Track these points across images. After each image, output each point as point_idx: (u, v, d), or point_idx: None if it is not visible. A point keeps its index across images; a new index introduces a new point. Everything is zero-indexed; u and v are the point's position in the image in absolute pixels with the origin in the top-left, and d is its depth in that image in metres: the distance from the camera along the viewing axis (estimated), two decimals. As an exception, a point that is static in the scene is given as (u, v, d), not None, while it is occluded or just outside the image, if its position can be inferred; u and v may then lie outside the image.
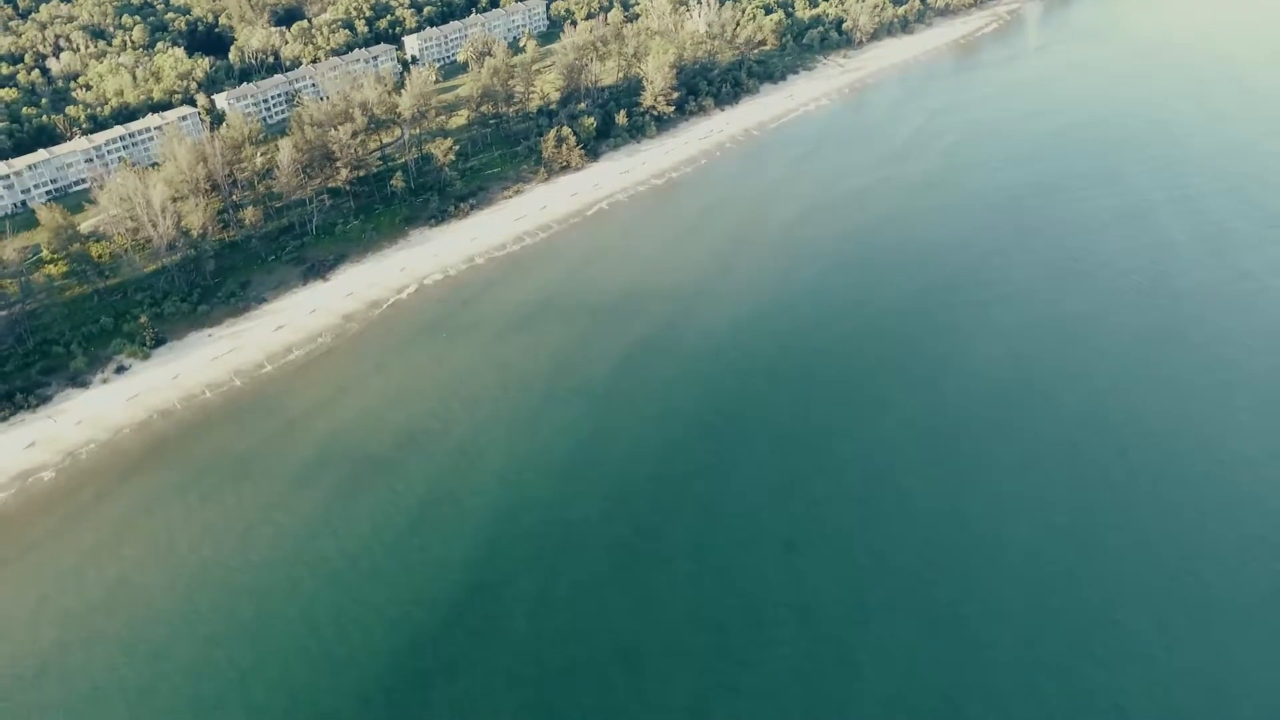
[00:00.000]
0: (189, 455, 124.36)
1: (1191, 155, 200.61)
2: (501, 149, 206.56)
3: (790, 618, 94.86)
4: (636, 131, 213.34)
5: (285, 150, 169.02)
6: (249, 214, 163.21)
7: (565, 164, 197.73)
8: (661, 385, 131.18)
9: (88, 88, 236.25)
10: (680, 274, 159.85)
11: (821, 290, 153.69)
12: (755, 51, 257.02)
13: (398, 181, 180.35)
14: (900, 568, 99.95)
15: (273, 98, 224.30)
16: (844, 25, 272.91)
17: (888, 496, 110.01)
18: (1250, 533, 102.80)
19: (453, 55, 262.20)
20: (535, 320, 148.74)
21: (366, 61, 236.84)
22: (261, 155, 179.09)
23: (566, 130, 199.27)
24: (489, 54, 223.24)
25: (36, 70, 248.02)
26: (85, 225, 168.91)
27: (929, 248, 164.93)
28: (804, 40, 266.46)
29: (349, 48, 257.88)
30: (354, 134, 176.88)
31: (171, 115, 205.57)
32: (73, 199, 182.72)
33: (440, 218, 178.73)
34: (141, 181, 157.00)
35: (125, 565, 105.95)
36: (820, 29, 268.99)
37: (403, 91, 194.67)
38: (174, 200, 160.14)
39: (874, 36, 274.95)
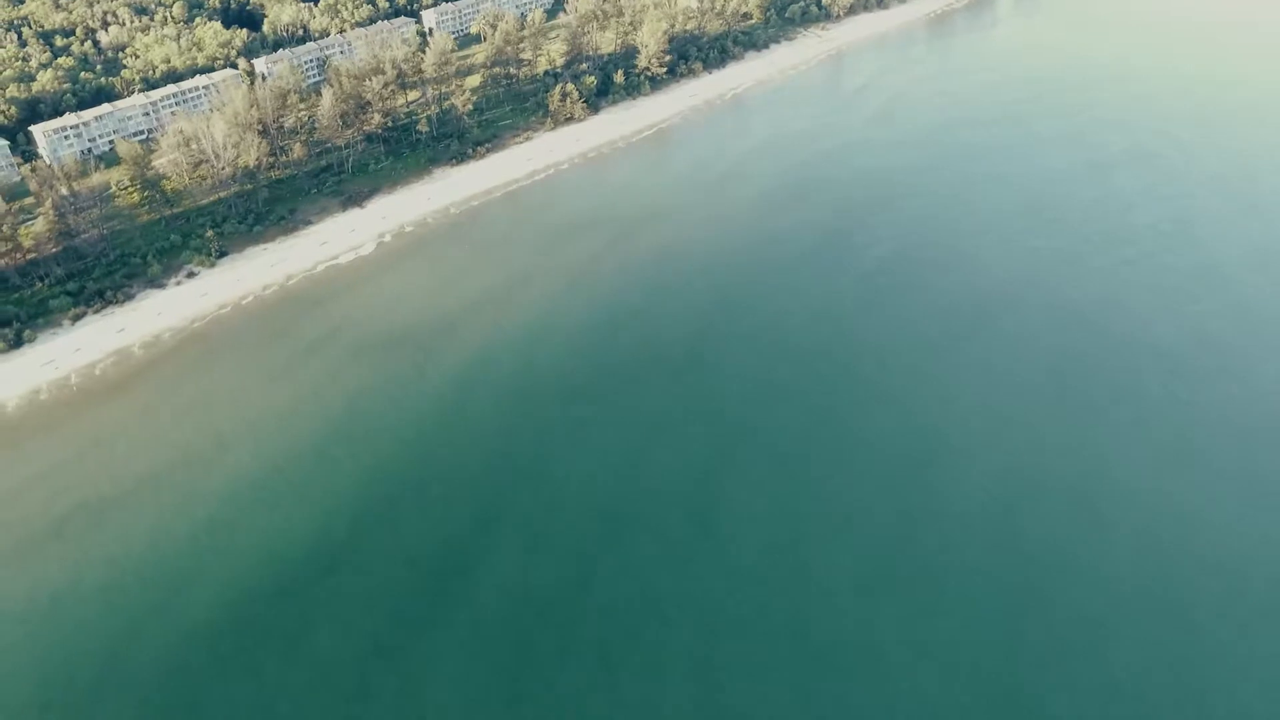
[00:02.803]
0: (251, 335, 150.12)
1: (1115, 127, 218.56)
2: (512, 105, 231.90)
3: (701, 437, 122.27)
4: (633, 89, 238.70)
5: (326, 98, 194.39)
6: (297, 149, 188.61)
7: (569, 116, 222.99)
8: (620, 274, 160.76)
9: (136, 56, 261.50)
10: (655, 196, 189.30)
11: (761, 198, 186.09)
12: (742, 23, 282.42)
13: (423, 126, 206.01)
14: (797, 397, 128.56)
15: (306, 63, 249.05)
16: (824, 0, 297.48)
17: (823, 356, 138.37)
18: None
19: (466, 28, 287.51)
20: (536, 232, 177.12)
21: (388, 33, 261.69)
22: (303, 107, 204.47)
23: (570, 86, 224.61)
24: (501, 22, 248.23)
25: (89, 42, 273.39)
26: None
27: (858, 173, 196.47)
28: (786, 14, 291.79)
29: (371, 21, 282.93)
30: (385, 85, 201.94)
31: (217, 76, 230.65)
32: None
33: (460, 159, 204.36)
34: (205, 122, 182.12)
35: (187, 414, 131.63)
36: (801, 3, 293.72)
37: (426, 51, 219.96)
38: (233, 145, 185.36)
39: (851, 11, 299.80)
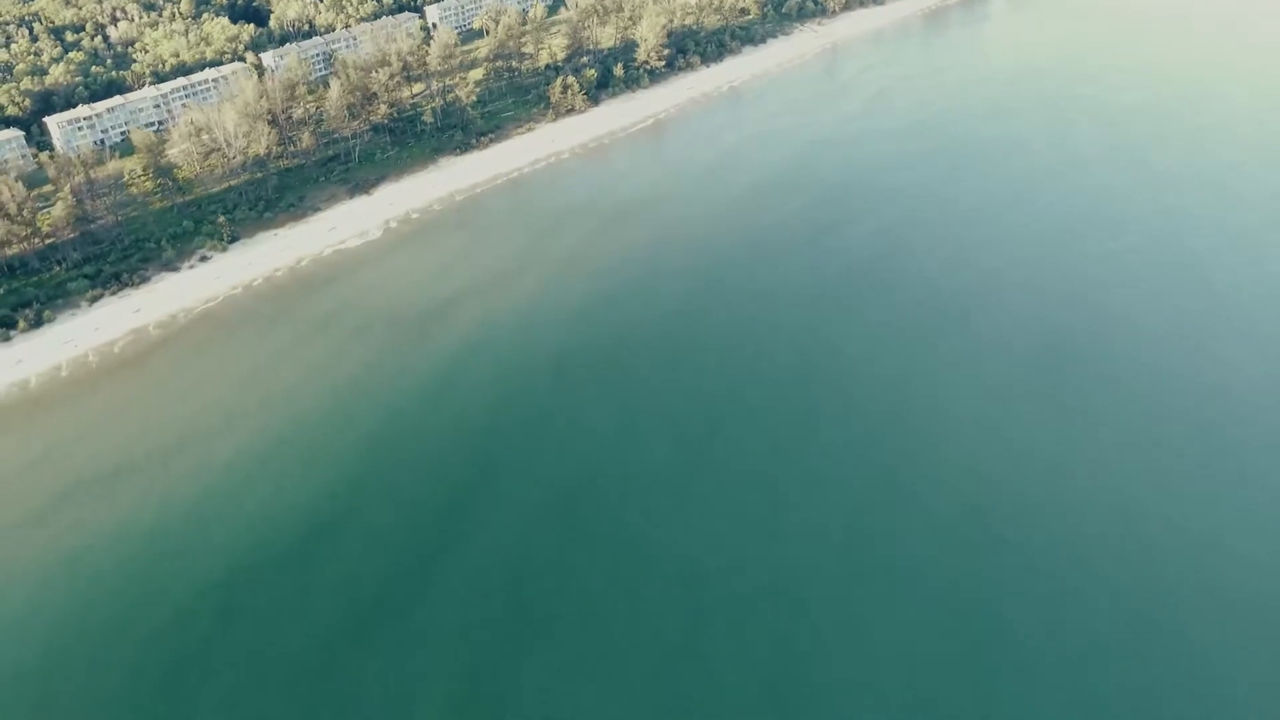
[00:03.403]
0: (262, 314, 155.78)
1: (1101, 122, 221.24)
2: (515, 97, 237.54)
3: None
4: (632, 82, 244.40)
5: (334, 89, 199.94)
6: (305, 139, 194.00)
7: (570, 108, 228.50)
8: (615, 257, 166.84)
9: (145, 51, 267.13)
10: (651, 185, 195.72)
11: (754, 187, 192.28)
12: (739, 19, 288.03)
13: (428, 118, 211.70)
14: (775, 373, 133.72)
15: (312, 57, 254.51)
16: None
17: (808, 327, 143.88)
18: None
19: (469, 23, 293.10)
20: (537, 218, 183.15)
21: (393, 27, 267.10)
22: (311, 99, 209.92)
23: (571, 79, 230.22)
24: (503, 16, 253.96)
25: (98, 37, 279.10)
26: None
27: (848, 164, 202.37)
28: (783, 9, 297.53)
29: (375, 16, 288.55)
30: (391, 76, 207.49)
31: (226, 69, 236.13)
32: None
33: (464, 148, 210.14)
34: (218, 112, 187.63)
35: (200, 389, 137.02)
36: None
37: (430, 44, 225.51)
38: (244, 134, 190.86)
39: (846, 6, 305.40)
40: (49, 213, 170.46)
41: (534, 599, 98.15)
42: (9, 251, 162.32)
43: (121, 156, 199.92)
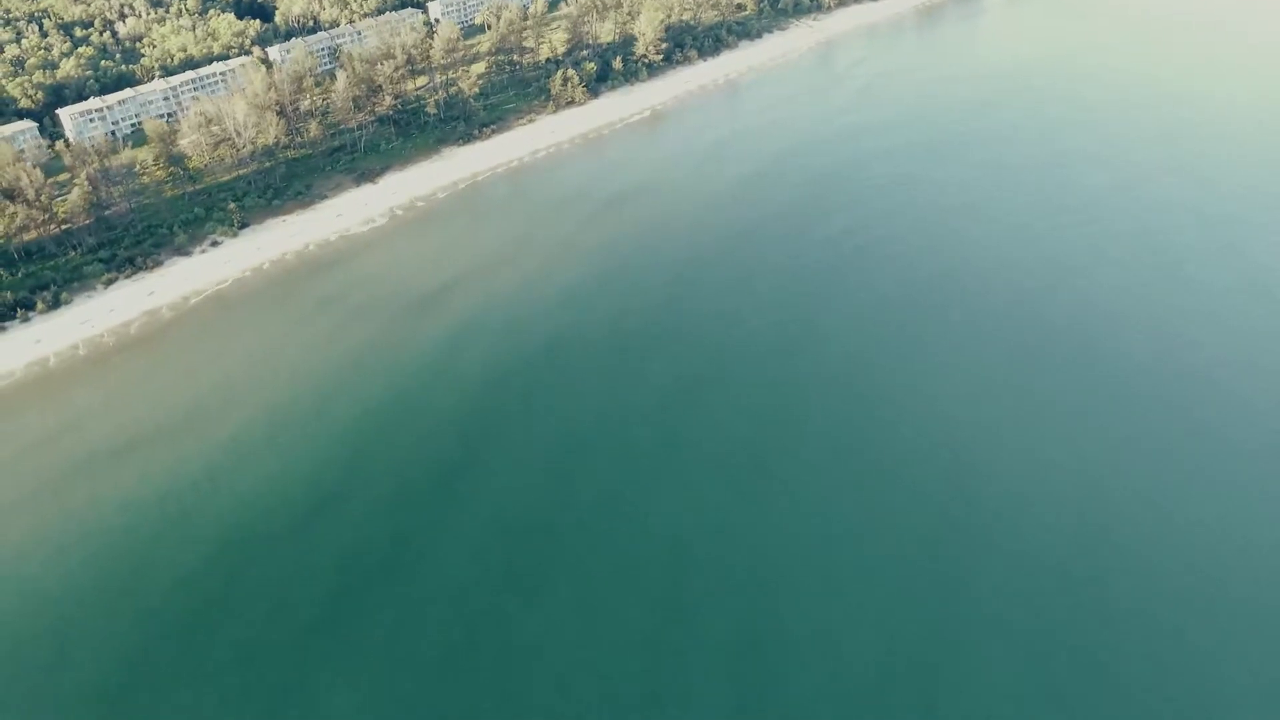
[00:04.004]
0: (271, 296, 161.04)
1: (1087, 118, 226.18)
2: (516, 90, 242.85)
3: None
4: (631, 76, 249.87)
5: (340, 81, 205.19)
6: (313, 129, 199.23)
7: (570, 100, 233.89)
8: (609, 240, 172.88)
9: (153, 45, 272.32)
10: (647, 173, 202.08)
11: (744, 175, 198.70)
12: (736, 14, 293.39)
13: (432, 109, 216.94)
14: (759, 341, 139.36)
15: (318, 51, 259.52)
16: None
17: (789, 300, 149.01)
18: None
19: (471, 18, 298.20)
20: (536, 204, 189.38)
21: (397, 22, 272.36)
22: (318, 91, 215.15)
23: (571, 72, 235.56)
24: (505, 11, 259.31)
25: (107, 33, 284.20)
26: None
27: (837, 156, 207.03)
28: (779, 5, 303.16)
29: (379, 12, 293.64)
30: (395, 69, 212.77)
31: (234, 63, 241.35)
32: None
33: (467, 139, 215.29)
34: (228, 103, 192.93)
35: (209, 366, 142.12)
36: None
37: (434, 37, 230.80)
38: (253, 124, 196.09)
39: (842, 2, 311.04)
40: (65, 199, 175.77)
41: (527, 564, 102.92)
42: (27, 236, 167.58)
43: (133, 147, 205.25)
